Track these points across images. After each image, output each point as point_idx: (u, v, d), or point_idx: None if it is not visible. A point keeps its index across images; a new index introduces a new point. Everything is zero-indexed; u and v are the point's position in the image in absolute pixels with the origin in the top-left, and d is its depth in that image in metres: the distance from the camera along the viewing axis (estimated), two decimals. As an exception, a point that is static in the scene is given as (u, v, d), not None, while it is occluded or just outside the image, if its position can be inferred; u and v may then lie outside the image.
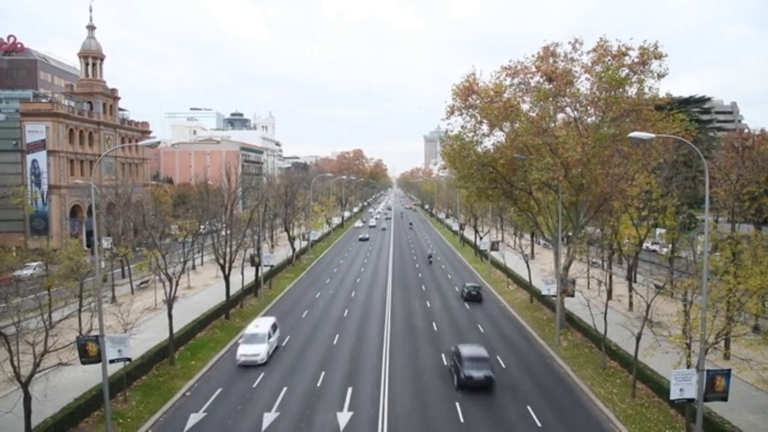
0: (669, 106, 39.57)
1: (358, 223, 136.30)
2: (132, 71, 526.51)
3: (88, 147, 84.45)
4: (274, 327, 36.32)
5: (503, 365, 33.76)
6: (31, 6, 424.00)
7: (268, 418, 25.97)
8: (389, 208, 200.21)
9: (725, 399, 21.63)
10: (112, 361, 24.87)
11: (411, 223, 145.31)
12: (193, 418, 25.99)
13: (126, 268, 58.10)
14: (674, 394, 21.56)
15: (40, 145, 76.72)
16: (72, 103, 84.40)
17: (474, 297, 51.84)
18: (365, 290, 57.54)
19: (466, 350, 30.14)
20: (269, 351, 34.27)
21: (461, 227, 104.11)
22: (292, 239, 73.93)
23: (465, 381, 28.54)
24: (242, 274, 50.34)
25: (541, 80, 37.66)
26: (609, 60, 34.80)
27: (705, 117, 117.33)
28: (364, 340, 39.00)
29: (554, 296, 40.64)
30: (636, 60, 34.57)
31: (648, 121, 35.12)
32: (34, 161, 77.02)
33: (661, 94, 39.71)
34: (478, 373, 28.55)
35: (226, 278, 44.62)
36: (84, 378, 28.45)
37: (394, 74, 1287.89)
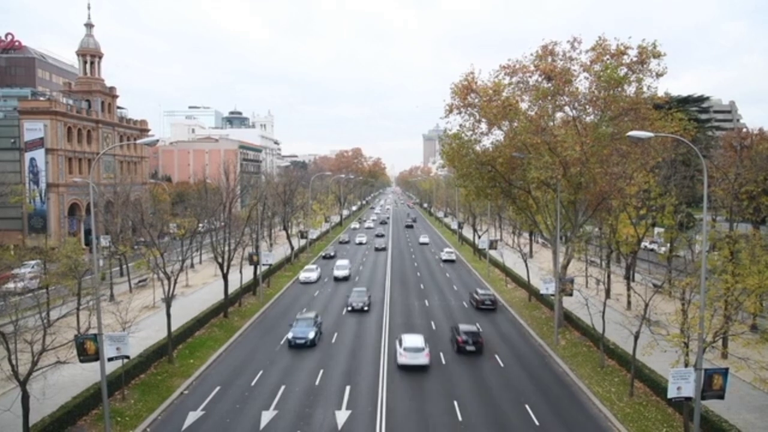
0: (668, 105, 39.58)
1: (307, 275, 60.78)
2: (130, 69, 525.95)
3: (86, 145, 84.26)
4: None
5: (501, 364, 33.81)
6: (30, 4, 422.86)
7: (267, 416, 25.99)
8: (384, 222, 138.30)
9: (722, 397, 21.68)
10: (110, 360, 24.90)
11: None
12: (192, 417, 26.01)
13: (125, 266, 58.07)
14: (672, 393, 21.60)
15: (39, 143, 76.54)
16: (70, 101, 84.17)
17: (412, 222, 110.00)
18: (364, 288, 57.31)
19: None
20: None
21: (460, 226, 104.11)
22: (290, 238, 73.94)
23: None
24: (241, 272, 50.31)
25: (540, 79, 37.65)
26: (608, 59, 34.78)
27: (703, 116, 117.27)
28: (362, 339, 39.00)
29: (553, 295, 40.70)
30: (635, 59, 34.57)
31: (647, 120, 35.14)
32: (32, 159, 76.84)
33: (660, 93, 39.90)
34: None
35: (225, 277, 44.61)
36: (82, 376, 28.45)
37: (394, 72, 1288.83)
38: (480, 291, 50.13)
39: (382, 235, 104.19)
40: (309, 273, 61.97)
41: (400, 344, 33.33)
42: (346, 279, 61.48)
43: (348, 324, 43.00)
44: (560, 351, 36.19)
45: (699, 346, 21.48)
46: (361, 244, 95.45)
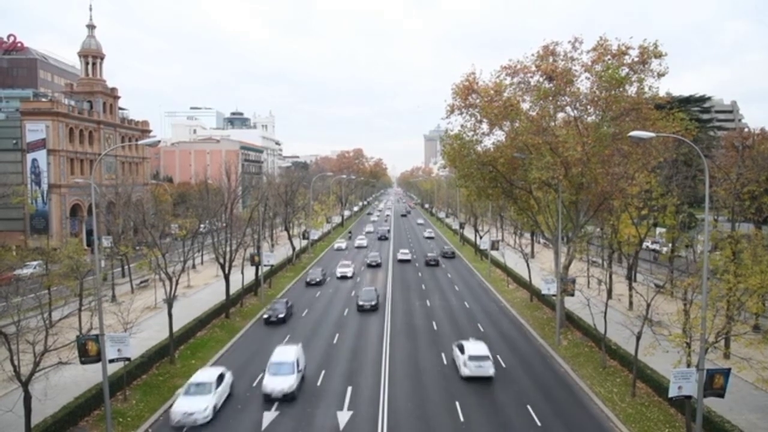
0: (669, 105, 39.51)
1: (185, 408, 25.15)
2: (131, 70, 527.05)
3: (88, 146, 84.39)
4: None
5: (503, 364, 33.77)
6: (30, 4, 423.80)
7: (268, 417, 26.00)
8: (384, 238, 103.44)
9: (722, 395, 21.71)
10: (111, 361, 24.91)
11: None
12: (193, 417, 25.91)
13: (126, 267, 58.12)
14: (673, 392, 21.58)
15: (40, 144, 76.69)
16: (72, 102, 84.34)
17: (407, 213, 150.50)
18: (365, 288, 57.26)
19: None
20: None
21: (461, 226, 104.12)
22: (292, 238, 73.98)
23: None
24: (242, 273, 50.33)
25: (541, 79, 37.62)
26: (609, 59, 34.74)
27: (705, 116, 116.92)
28: (363, 339, 39.01)
29: (554, 295, 40.65)
30: (636, 59, 34.51)
31: (648, 120, 35.10)
32: (34, 160, 76.98)
33: (662, 93, 39.70)
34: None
35: (226, 277, 44.63)
36: (84, 377, 28.48)
37: (394, 72, 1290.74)
38: (445, 247, 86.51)
39: (378, 265, 70.55)
40: (186, 403, 25.37)
41: (399, 251, 77.31)
42: (291, 399, 27.70)
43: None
44: (562, 351, 36.15)
45: (701, 347, 21.45)
46: (345, 277, 62.40)
